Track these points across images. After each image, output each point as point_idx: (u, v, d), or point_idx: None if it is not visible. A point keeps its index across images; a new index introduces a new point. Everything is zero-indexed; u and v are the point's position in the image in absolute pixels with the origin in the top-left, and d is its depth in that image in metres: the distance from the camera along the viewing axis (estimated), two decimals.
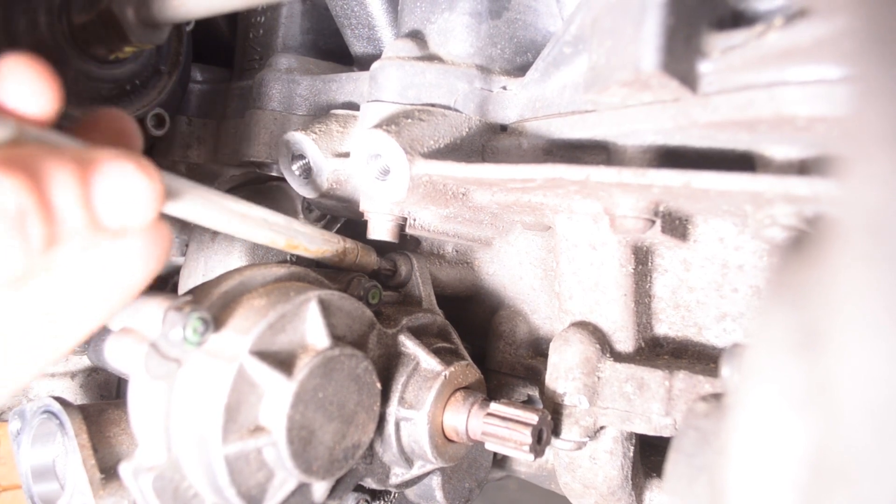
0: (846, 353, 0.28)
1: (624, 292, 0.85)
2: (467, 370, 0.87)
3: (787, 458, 0.33)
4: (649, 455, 0.98)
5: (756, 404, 0.34)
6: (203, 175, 1.29)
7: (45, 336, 0.54)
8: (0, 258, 0.45)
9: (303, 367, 0.69)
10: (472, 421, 0.83)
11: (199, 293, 0.71)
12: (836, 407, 0.29)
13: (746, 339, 0.83)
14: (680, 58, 0.64)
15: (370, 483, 0.86)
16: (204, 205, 0.66)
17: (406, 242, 1.13)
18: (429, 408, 0.82)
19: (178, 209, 0.63)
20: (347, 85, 1.05)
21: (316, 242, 0.83)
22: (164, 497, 0.68)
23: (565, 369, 0.85)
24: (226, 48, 1.42)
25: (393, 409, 0.83)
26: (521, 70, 0.91)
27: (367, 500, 0.94)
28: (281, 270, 0.77)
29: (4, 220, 0.44)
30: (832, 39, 0.57)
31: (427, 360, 0.85)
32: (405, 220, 0.91)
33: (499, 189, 0.84)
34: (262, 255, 1.11)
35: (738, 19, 0.68)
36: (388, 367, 0.84)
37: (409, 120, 0.84)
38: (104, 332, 1.09)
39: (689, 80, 0.66)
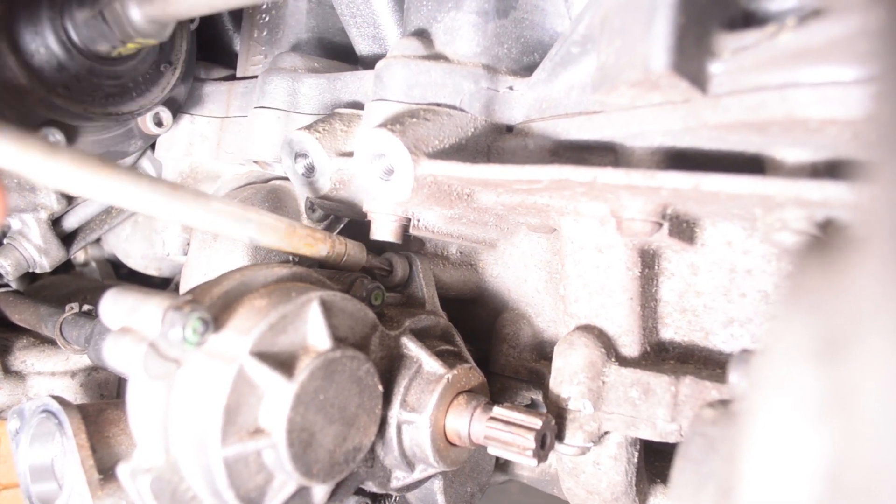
0: (869, 364, 0.27)
1: (630, 296, 0.84)
2: (470, 373, 0.86)
3: (804, 472, 0.32)
4: (653, 461, 0.97)
5: (771, 414, 0.33)
6: (206, 174, 1.29)
7: None
8: None
9: (304, 368, 0.68)
10: (475, 425, 0.82)
11: (199, 293, 0.70)
12: (856, 419, 0.28)
13: (757, 345, 0.82)
14: (690, 58, 0.63)
15: (371, 487, 0.85)
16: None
17: (410, 243, 1.12)
18: (431, 411, 0.81)
19: None
20: (352, 84, 1.04)
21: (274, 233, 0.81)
22: (161, 499, 0.67)
23: (570, 373, 0.84)
24: (230, 46, 1.41)
25: (395, 412, 0.82)
26: (527, 70, 0.90)
27: None
28: (283, 271, 0.76)
29: None
30: (847, 40, 0.56)
31: (430, 363, 0.84)
32: (409, 220, 0.90)
33: (504, 190, 0.83)
34: (264, 255, 1.10)
35: (749, 20, 0.67)
36: (390, 369, 0.83)
37: (414, 119, 0.83)
38: (104, 330, 1.09)
39: (699, 80, 0.65)
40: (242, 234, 0.75)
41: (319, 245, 0.85)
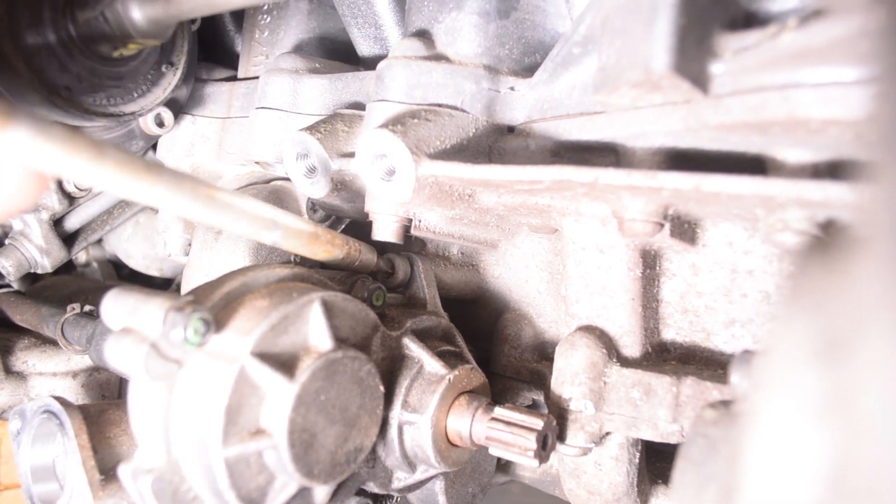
0: (871, 365, 0.27)
1: (631, 296, 0.84)
2: (472, 374, 0.86)
3: (806, 473, 0.32)
4: (655, 461, 0.97)
5: (773, 415, 0.33)
6: (207, 174, 1.29)
7: None
8: None
9: (305, 369, 0.68)
10: (476, 425, 0.82)
11: (200, 293, 0.70)
12: (858, 420, 0.28)
13: (758, 346, 0.82)
14: (692, 58, 0.63)
15: (372, 487, 0.85)
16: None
17: (411, 244, 1.12)
18: (432, 412, 0.81)
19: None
20: (353, 84, 1.04)
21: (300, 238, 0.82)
22: (163, 499, 0.67)
23: (571, 374, 0.84)
24: (232, 47, 1.41)
25: (396, 413, 0.82)
26: (529, 71, 0.90)
27: None
28: (284, 271, 0.77)
29: None
30: (848, 41, 0.56)
31: (431, 364, 0.84)
32: (410, 221, 0.90)
33: (505, 191, 0.83)
34: (266, 255, 1.10)
35: (750, 20, 0.67)
36: (391, 369, 0.83)
37: (416, 120, 0.83)
38: (105, 331, 1.09)
39: (700, 81, 0.65)
40: (269, 239, 0.75)
41: (337, 251, 0.86)
